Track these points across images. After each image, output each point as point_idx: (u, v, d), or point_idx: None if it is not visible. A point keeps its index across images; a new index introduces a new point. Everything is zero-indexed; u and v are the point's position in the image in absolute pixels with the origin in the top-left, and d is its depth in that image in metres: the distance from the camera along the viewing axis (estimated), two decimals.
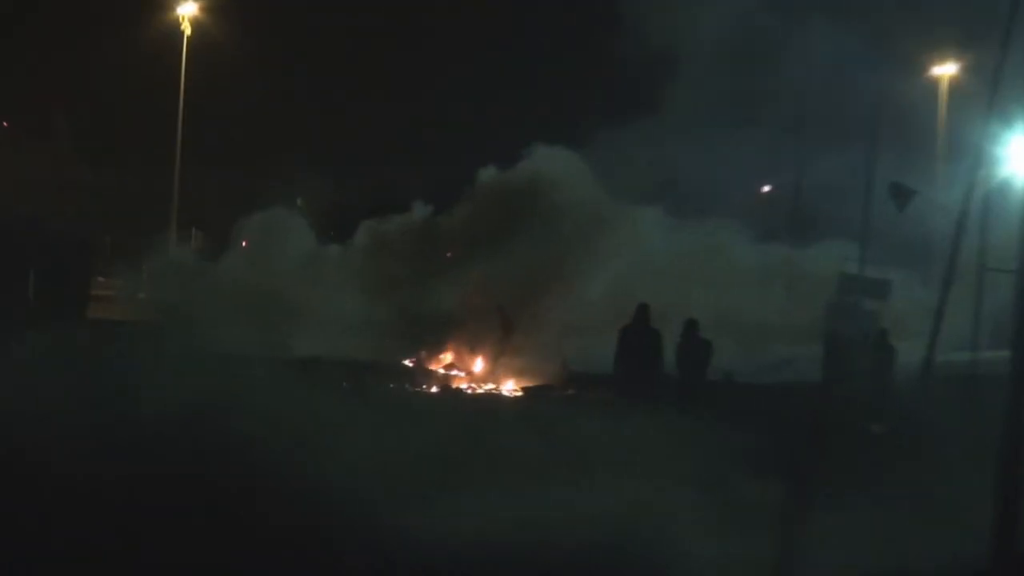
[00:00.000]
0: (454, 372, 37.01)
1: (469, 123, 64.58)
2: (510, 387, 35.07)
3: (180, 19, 59.83)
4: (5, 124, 71.12)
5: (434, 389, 34.25)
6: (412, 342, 37.97)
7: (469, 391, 34.69)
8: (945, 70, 62.55)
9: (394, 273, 41.00)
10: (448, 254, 42.21)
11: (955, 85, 61.84)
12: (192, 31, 59.89)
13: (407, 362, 37.17)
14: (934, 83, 62.70)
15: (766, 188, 65.96)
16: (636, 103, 44.50)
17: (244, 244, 45.27)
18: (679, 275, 40.44)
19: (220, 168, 64.37)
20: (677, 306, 31.47)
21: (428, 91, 73.47)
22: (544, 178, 41.58)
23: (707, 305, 35.07)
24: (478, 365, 37.10)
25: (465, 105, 67.60)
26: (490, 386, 35.29)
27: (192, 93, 59.83)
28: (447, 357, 37.81)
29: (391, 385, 32.99)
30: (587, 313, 37.45)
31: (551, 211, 40.35)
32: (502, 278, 38.12)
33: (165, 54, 59.97)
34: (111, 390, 19.23)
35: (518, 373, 35.79)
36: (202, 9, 60.60)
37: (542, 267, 38.62)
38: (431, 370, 37.05)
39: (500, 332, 36.77)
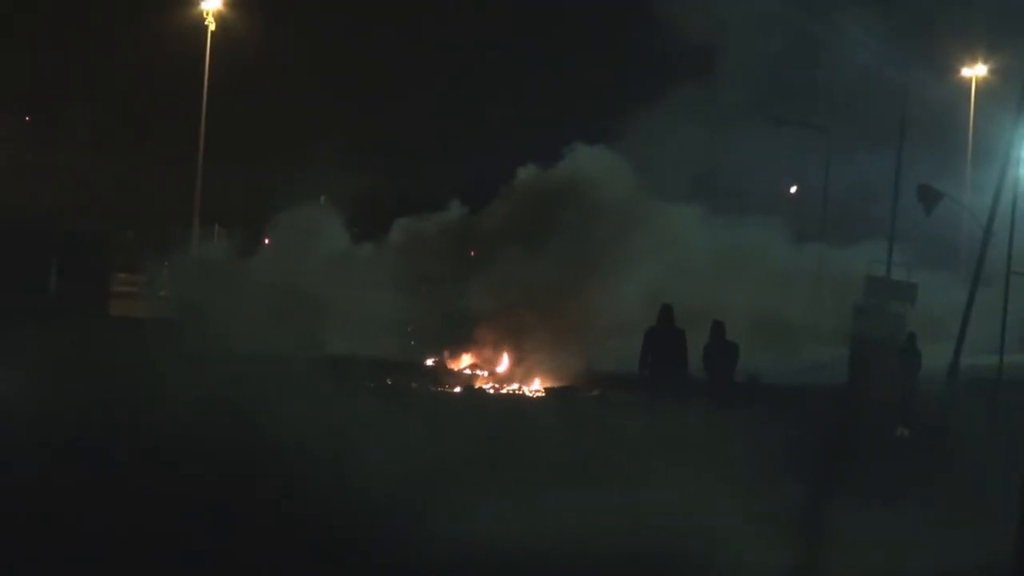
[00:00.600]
0: (477, 372, 36.86)
1: (504, 120, 64.48)
2: (534, 387, 34.91)
3: (204, 14, 59.84)
4: (27, 119, 71.31)
5: (457, 389, 34.10)
6: (442, 341, 37.83)
7: (492, 391, 34.55)
8: (975, 72, 62.39)
9: (429, 272, 40.82)
10: (471, 253, 42.01)
11: (986, 87, 61.67)
12: (216, 26, 59.86)
13: (429, 361, 37.02)
14: (965, 85, 62.51)
15: (793, 189, 65.88)
16: (669, 100, 44.33)
17: (267, 241, 45.09)
18: (715, 275, 40.25)
19: (244, 164, 64.38)
20: (712, 306, 31.27)
21: (460, 88, 73.41)
22: (584, 177, 41.32)
23: (741, 306, 34.87)
24: (501, 365, 36.96)
25: (500, 102, 67.54)
26: (513, 386, 35.15)
27: (216, 88, 59.82)
28: (470, 357, 37.65)
29: (414, 384, 32.83)
30: (623, 313, 37.21)
31: (590, 210, 40.12)
32: (538, 277, 37.95)
33: (189, 49, 60.01)
34: (124, 388, 19.08)
35: (542, 373, 35.63)
36: (226, 4, 60.57)
37: (579, 267, 38.45)
38: (454, 370, 36.91)
39: (518, 333, 36.64)
